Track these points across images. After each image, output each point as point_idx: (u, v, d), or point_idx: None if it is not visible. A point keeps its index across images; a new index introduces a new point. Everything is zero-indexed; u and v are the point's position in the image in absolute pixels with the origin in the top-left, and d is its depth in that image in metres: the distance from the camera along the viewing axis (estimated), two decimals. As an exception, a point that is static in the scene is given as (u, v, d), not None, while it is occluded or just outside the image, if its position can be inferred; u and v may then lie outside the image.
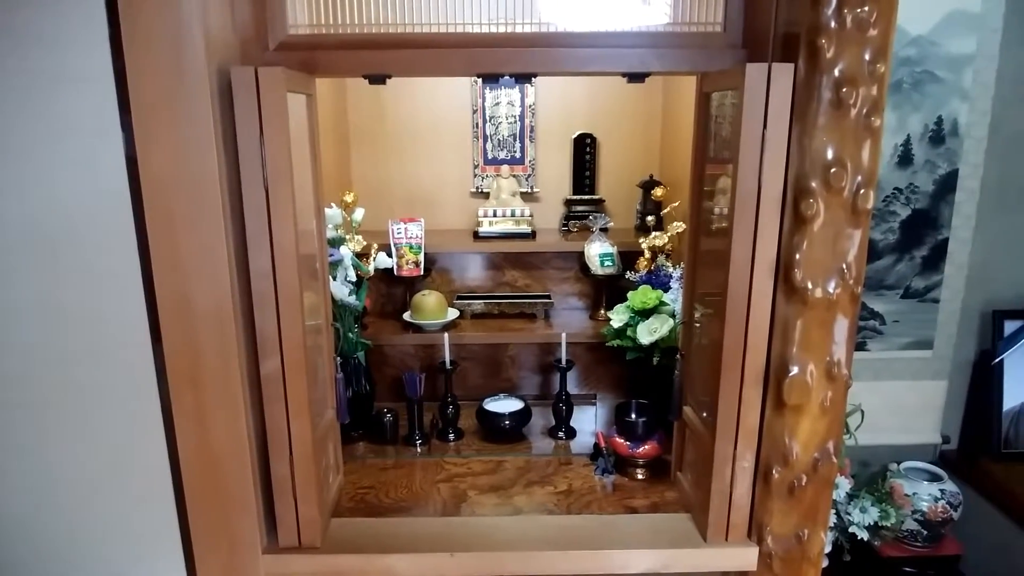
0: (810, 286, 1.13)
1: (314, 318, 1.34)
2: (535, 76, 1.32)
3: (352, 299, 1.67)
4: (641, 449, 1.53)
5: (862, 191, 1.10)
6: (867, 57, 1.05)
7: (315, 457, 1.26)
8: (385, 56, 1.24)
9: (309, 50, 1.22)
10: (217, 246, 1.09)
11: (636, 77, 1.30)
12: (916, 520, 1.98)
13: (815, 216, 1.11)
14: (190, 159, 1.06)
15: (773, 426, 1.21)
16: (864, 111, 1.07)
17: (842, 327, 1.16)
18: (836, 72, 1.06)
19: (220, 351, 1.14)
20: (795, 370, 1.17)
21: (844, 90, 1.06)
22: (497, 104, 2.25)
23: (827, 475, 1.23)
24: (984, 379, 2.12)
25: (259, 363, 1.19)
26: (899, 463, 2.09)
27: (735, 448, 1.24)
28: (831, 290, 1.13)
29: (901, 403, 2.16)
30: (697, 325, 1.41)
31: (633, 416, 1.60)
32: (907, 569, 2.00)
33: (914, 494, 1.98)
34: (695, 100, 1.35)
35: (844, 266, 1.13)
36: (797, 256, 1.13)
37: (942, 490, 1.99)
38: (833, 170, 1.09)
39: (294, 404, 1.22)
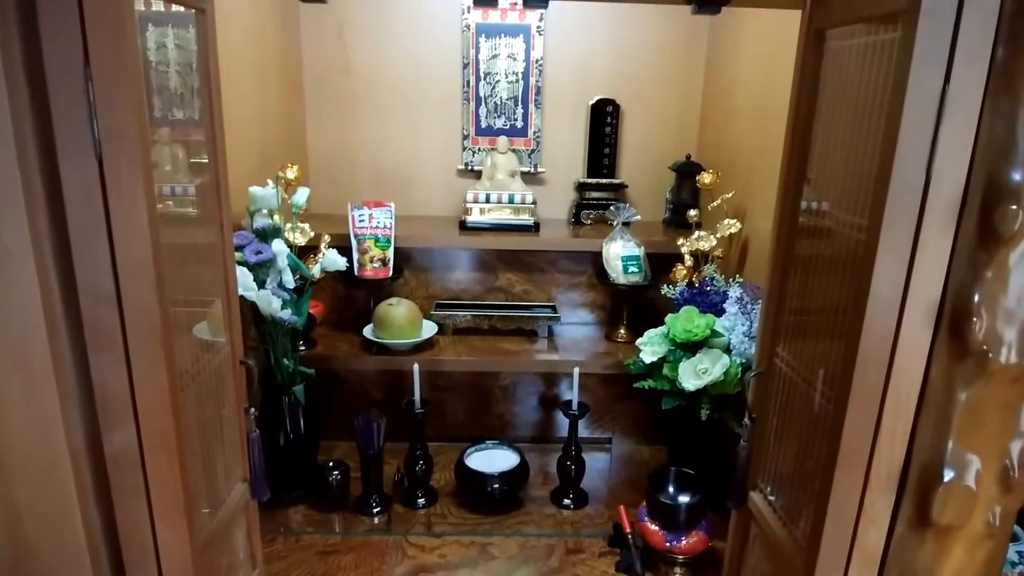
0: (994, 345, 0.72)
1: (208, 351, 0.89)
2: None
3: (286, 313, 1.22)
4: (684, 542, 1.10)
5: (1097, 194, 0.67)
6: None
7: (198, 573, 0.83)
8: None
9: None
10: (18, 249, 0.67)
11: (707, 5, 0.94)
12: (991, 590, 1.59)
13: (1018, 233, 0.68)
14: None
15: (906, 550, 0.83)
16: (1118, 60, 0.64)
17: (1033, 410, 0.74)
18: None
19: (32, 417, 0.72)
20: (952, 473, 0.75)
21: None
22: (494, 57, 1.79)
23: (982, 626, 0.81)
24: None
25: (101, 436, 0.76)
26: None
27: (845, 580, 0.82)
28: (1028, 354, 0.71)
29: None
30: (783, 378, 0.97)
31: (672, 491, 1.16)
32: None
33: (990, 559, 1.59)
34: (799, 42, 0.94)
35: (1052, 315, 0.70)
36: (977, 296, 0.72)
37: (1020, 553, 1.61)
38: (1057, 158, 0.65)
39: (161, 498, 0.81)
